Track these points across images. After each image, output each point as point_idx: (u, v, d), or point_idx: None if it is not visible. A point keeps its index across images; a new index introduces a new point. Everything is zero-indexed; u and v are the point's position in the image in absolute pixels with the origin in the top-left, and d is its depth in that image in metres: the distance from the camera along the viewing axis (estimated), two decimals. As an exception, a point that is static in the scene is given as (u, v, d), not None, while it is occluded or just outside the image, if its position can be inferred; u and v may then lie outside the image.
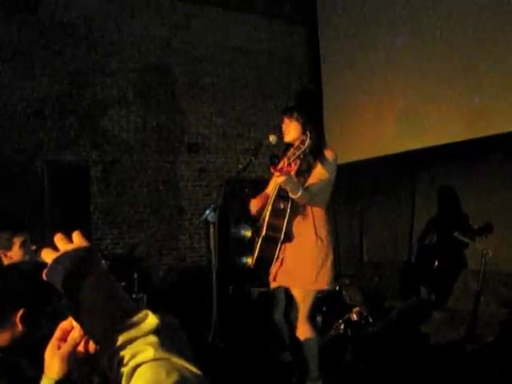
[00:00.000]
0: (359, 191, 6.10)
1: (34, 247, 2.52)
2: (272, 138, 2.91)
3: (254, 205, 3.05)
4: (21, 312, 1.25)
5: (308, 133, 2.53)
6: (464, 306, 4.19)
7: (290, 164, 2.43)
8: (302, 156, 2.46)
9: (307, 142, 2.43)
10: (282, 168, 2.40)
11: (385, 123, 5.64)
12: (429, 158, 5.20)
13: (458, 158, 4.94)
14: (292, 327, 2.98)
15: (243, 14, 6.76)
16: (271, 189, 3.08)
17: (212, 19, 6.52)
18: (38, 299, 1.29)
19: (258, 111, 6.75)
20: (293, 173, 2.51)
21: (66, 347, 0.87)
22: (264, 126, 6.58)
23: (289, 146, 3.02)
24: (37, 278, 1.29)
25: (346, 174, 5.06)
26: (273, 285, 3.04)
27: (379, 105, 5.70)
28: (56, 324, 0.92)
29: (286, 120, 2.92)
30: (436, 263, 4.80)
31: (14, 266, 1.51)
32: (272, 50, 6.98)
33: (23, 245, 2.49)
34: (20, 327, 1.25)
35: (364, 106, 5.90)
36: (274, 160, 2.49)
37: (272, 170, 2.43)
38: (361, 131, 5.94)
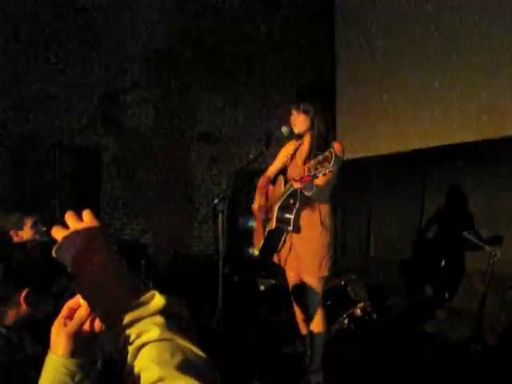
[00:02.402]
0: (369, 187, 6.08)
1: (44, 228, 2.56)
2: (284, 130, 2.93)
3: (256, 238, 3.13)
4: (25, 292, 1.26)
5: (332, 149, 2.45)
6: (469, 306, 4.17)
7: (309, 175, 2.45)
8: (326, 172, 2.42)
9: (333, 160, 2.35)
10: (302, 178, 2.50)
11: (397, 120, 5.61)
12: (440, 156, 5.16)
13: (468, 158, 4.90)
14: (304, 316, 3.07)
15: (257, 4, 6.71)
16: (273, 170, 3.17)
17: (228, 9, 6.49)
18: (43, 279, 1.30)
19: (271, 102, 6.73)
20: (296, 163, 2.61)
21: (71, 325, 0.87)
22: (276, 117, 6.56)
23: (299, 138, 3.04)
24: (42, 258, 1.31)
25: (356, 169, 5.05)
26: (287, 271, 3.13)
27: (392, 102, 5.66)
28: (62, 302, 0.93)
29: (294, 112, 2.94)
30: (442, 262, 4.78)
31: (19, 246, 1.52)
32: (287, 41, 6.94)
33: (34, 225, 2.54)
34: (24, 307, 1.26)
35: (377, 102, 5.87)
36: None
37: (293, 181, 2.60)
38: (373, 127, 5.92)
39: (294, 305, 3.19)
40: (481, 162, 4.81)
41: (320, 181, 2.77)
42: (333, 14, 6.79)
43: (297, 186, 2.62)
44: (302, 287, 3.03)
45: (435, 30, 5.12)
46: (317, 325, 3.00)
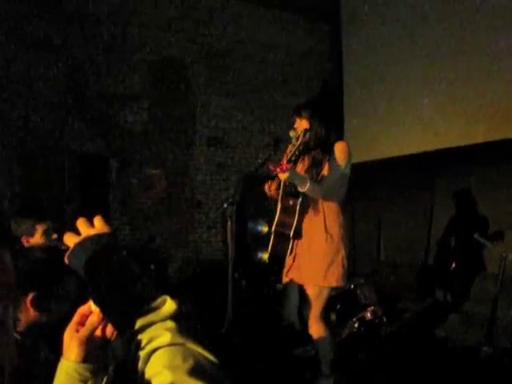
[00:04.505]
0: (377, 190, 6.06)
1: (55, 236, 2.57)
2: (292, 134, 2.91)
3: (269, 187, 3.03)
4: (31, 296, 1.27)
5: (303, 130, 2.55)
6: (480, 309, 4.13)
7: (289, 161, 2.46)
8: (297, 152, 2.49)
9: (301, 138, 2.49)
10: (281, 165, 2.44)
11: (406, 123, 5.59)
12: (449, 159, 5.14)
13: (478, 160, 4.87)
14: (304, 323, 2.99)
15: (266, 9, 6.74)
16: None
17: (235, 14, 6.53)
18: (48, 283, 1.30)
19: (279, 107, 6.74)
20: (298, 169, 2.62)
21: (83, 331, 0.88)
22: (284, 121, 6.56)
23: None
24: (47, 261, 1.32)
25: (365, 172, 5.03)
26: (284, 280, 3.03)
27: (400, 104, 5.65)
28: (74, 308, 0.93)
29: (297, 119, 2.94)
30: (453, 265, 4.74)
31: (25, 250, 1.53)
32: (294, 45, 6.96)
33: (45, 233, 2.55)
34: (32, 311, 1.27)
35: (385, 105, 5.86)
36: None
37: (271, 169, 2.46)
38: (381, 130, 5.90)
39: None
40: (490, 164, 4.77)
41: (323, 173, 2.76)
42: (340, 17, 6.80)
43: (280, 175, 2.51)
44: (301, 295, 2.94)
45: (440, 32, 5.11)
46: (317, 334, 2.86)
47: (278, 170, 2.45)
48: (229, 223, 2.65)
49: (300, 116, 2.91)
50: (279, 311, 3.13)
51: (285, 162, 2.47)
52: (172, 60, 6.15)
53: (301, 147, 2.53)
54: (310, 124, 2.84)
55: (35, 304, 1.27)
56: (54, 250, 1.40)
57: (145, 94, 5.97)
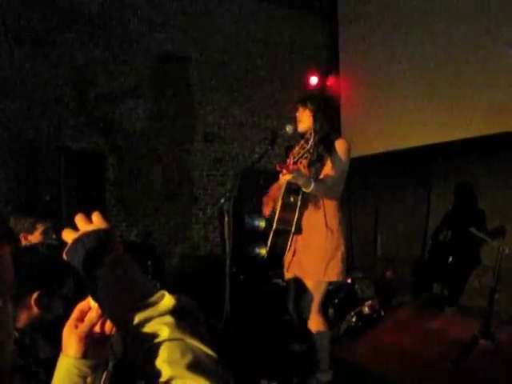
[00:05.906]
0: (375, 185, 6.07)
1: (54, 236, 2.57)
2: (288, 128, 2.90)
3: (266, 206, 3.06)
4: (36, 294, 1.27)
5: (312, 131, 2.53)
6: (477, 303, 4.16)
7: (295, 162, 2.46)
8: (306, 155, 2.47)
9: (311, 141, 2.45)
10: (288, 166, 2.43)
11: (402, 117, 5.59)
12: (445, 152, 5.15)
13: (474, 154, 4.88)
14: (302, 318, 3.00)
15: (262, 3, 6.72)
16: (282, 183, 3.09)
17: (231, 9, 6.50)
18: (53, 282, 1.30)
19: (275, 101, 6.73)
20: (303, 169, 2.59)
21: (82, 327, 0.88)
22: (280, 116, 6.56)
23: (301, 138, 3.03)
24: (52, 260, 1.32)
25: (362, 167, 5.04)
26: (287, 276, 3.06)
27: (397, 98, 5.65)
28: (72, 305, 0.93)
29: (300, 109, 2.94)
30: (450, 259, 4.76)
31: (30, 249, 1.53)
32: (290, 40, 6.94)
33: (44, 232, 2.54)
34: (35, 309, 1.27)
35: (382, 98, 5.86)
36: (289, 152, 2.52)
37: (278, 169, 2.45)
38: (378, 124, 5.90)
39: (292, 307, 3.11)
40: (487, 158, 4.79)
41: (325, 171, 2.76)
42: (336, 11, 6.79)
43: (285, 175, 2.50)
44: (299, 290, 2.96)
45: (437, 26, 5.11)
46: (316, 328, 2.89)
47: (285, 171, 2.45)
48: (226, 218, 2.65)
49: (304, 106, 2.91)
50: (283, 306, 3.14)
51: (291, 162, 2.46)
52: (168, 56, 6.12)
53: (311, 150, 2.51)
54: (314, 117, 2.84)
55: (40, 303, 1.27)
56: (57, 247, 1.41)
57: (141, 90, 5.95)
